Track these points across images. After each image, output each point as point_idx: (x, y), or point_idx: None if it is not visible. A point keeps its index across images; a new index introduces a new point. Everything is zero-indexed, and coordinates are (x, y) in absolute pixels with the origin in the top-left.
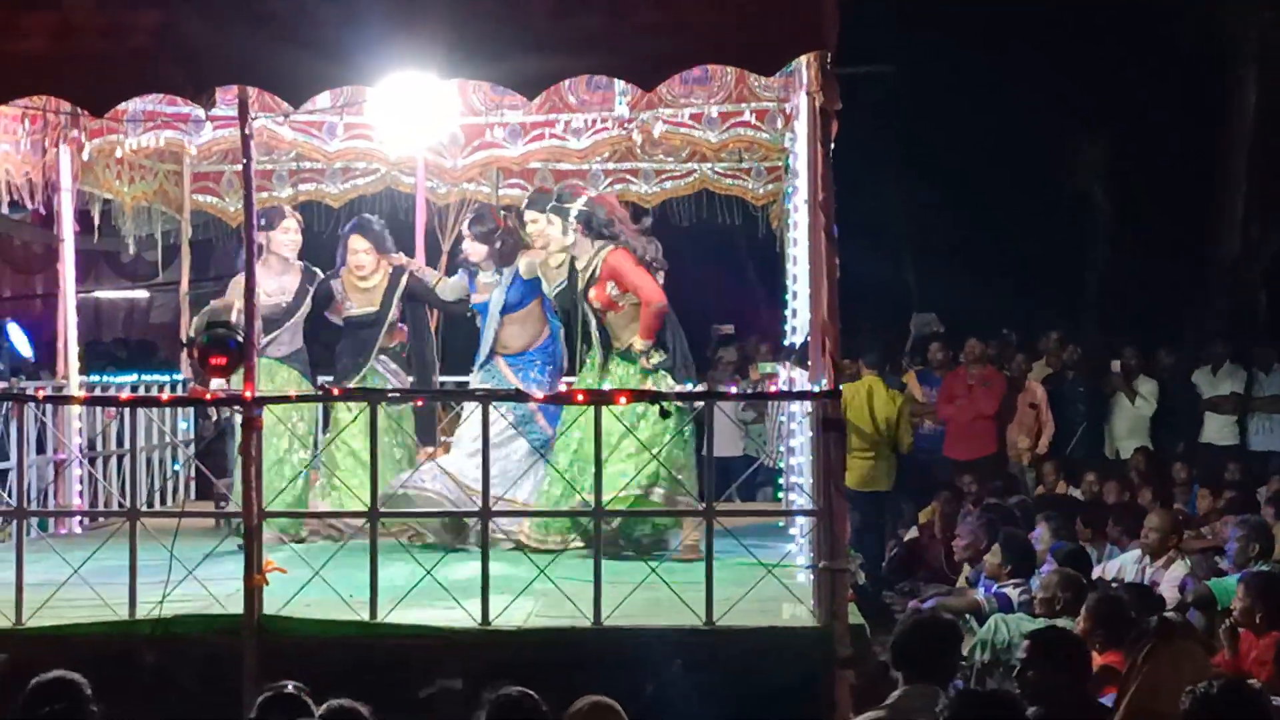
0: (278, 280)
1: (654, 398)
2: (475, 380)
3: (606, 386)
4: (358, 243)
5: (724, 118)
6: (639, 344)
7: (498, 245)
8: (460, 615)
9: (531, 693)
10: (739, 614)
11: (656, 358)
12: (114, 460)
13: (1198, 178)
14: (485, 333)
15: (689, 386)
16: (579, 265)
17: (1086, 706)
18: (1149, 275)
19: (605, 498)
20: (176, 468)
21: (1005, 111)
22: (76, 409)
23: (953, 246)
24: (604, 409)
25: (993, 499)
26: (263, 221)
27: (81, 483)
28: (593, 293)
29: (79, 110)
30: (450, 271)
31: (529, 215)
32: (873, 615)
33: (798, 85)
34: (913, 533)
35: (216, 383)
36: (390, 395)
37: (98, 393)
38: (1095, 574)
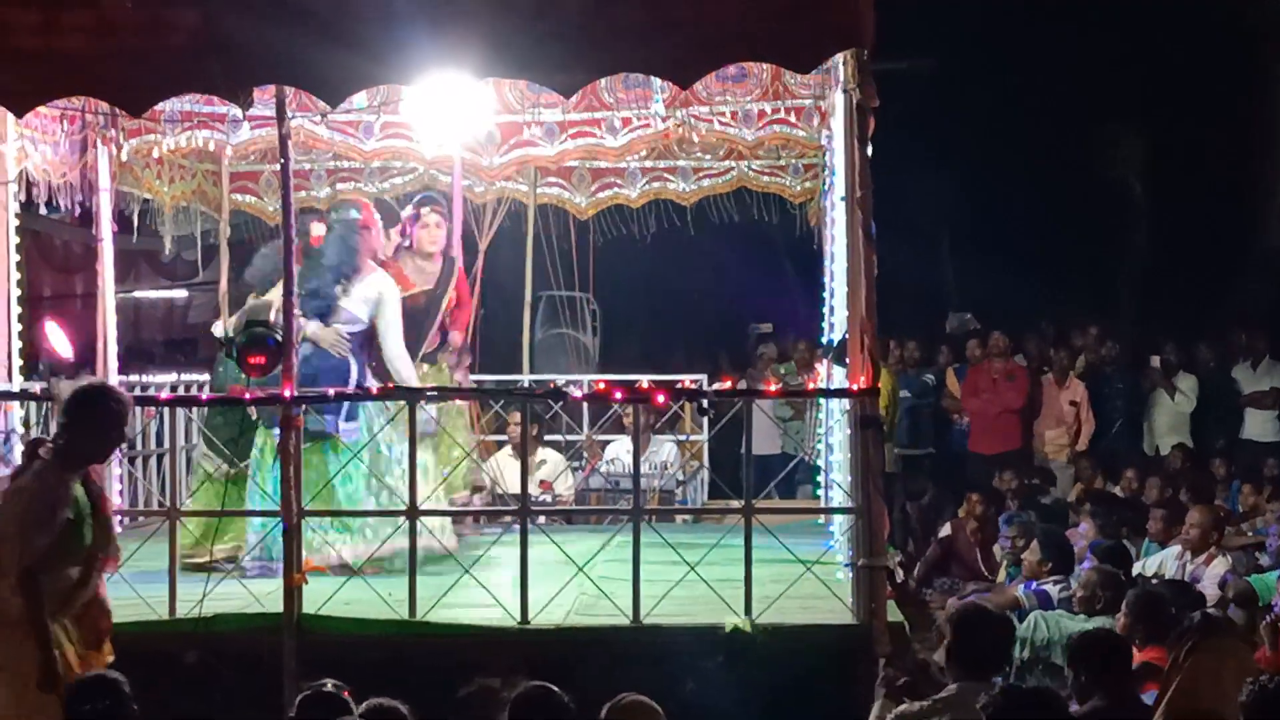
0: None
1: (693, 395)
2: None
3: None
4: (431, 216)
5: (760, 115)
6: None
7: None
8: (499, 614)
9: (552, 687)
10: (778, 612)
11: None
12: (153, 459)
13: (1237, 169)
14: None
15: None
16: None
17: (1130, 705)
18: (1188, 269)
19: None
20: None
21: (1041, 104)
22: None
23: (989, 241)
24: None
25: (1028, 497)
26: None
27: (121, 482)
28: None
29: (117, 110)
30: None
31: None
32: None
33: (834, 82)
34: (946, 530)
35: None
36: (429, 394)
37: (137, 392)
38: (1135, 570)
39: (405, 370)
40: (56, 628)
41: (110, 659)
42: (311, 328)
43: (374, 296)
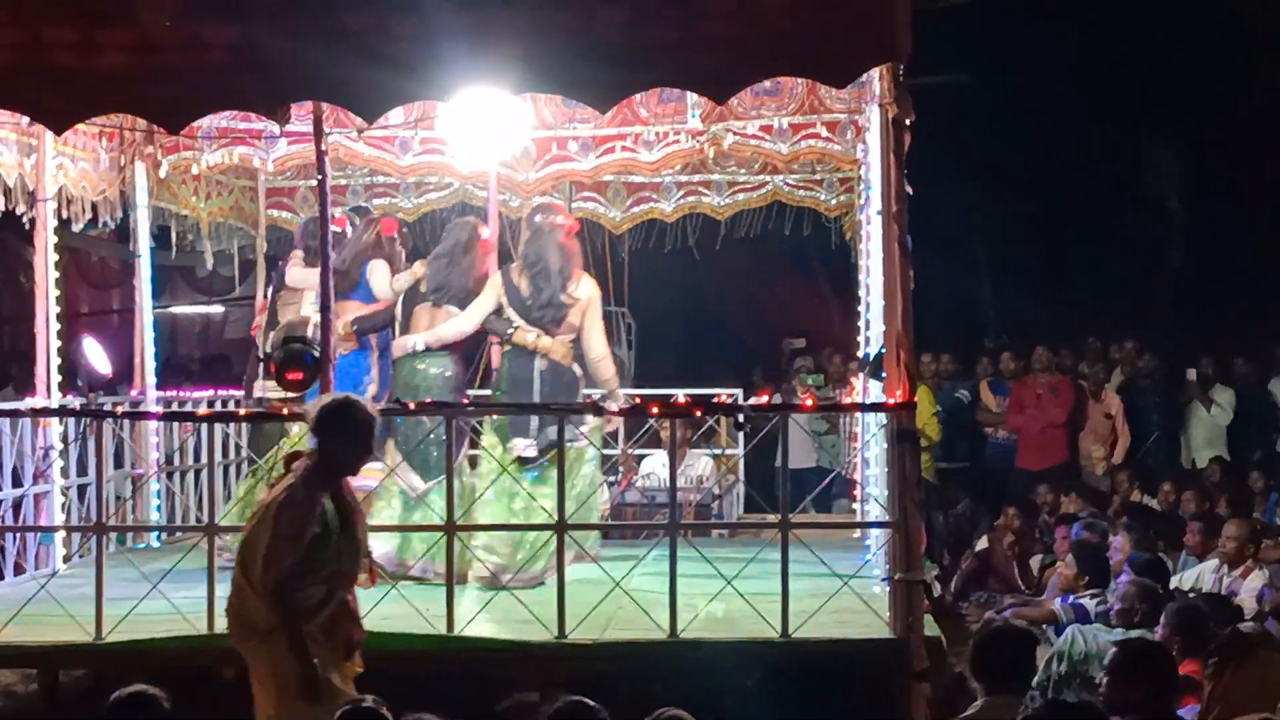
0: None
1: (729, 410)
2: None
3: None
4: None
5: (795, 129)
6: None
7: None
8: (537, 629)
9: (590, 702)
10: (815, 626)
11: None
12: (191, 475)
13: (1275, 182)
14: None
15: None
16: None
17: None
18: (1225, 282)
19: None
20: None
21: (1077, 118)
22: (153, 424)
23: (1023, 254)
24: None
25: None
26: None
27: (159, 497)
28: None
29: (155, 128)
30: None
31: None
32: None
33: (869, 97)
34: (983, 543)
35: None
36: (468, 409)
37: (174, 408)
38: (1173, 584)
39: (608, 371)
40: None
41: (359, 670)
42: (545, 342)
43: (585, 299)
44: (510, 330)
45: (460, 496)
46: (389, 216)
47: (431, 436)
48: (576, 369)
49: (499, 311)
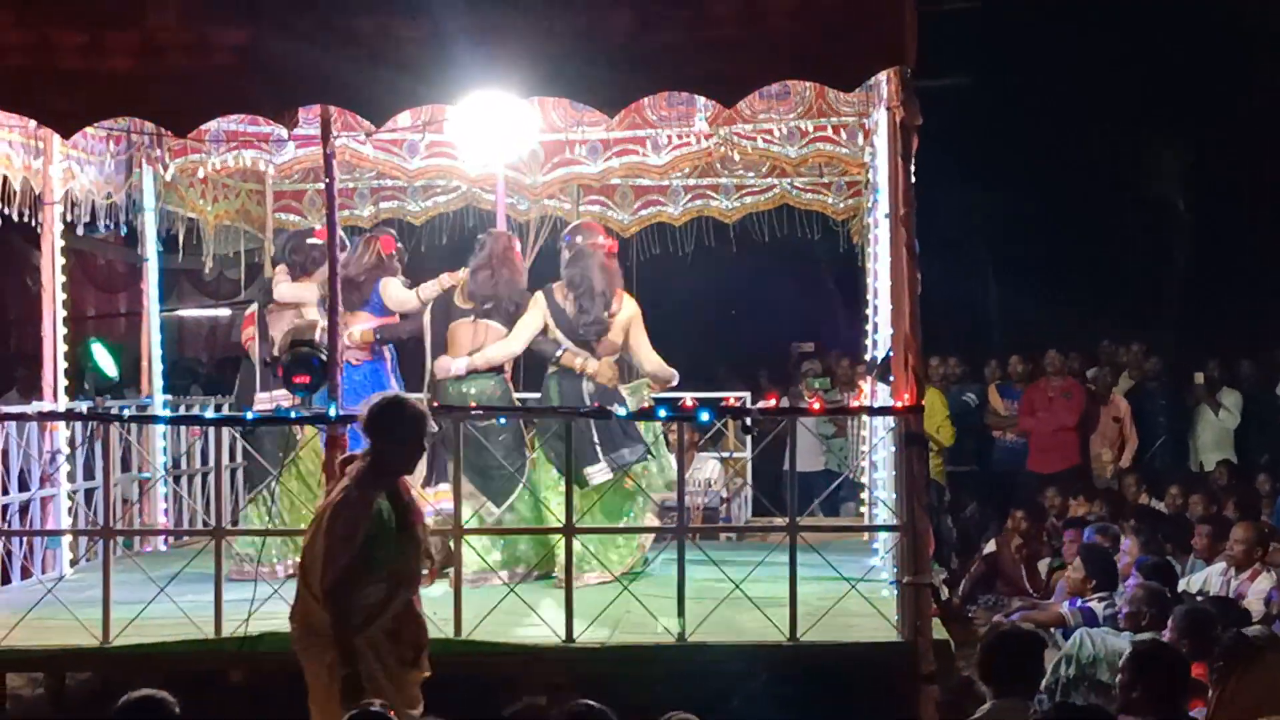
0: None
1: (737, 413)
2: None
3: None
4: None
5: (803, 133)
6: None
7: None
8: (544, 632)
9: (598, 704)
10: (823, 629)
11: None
12: (198, 478)
13: (1278, 183)
14: None
15: None
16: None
17: None
18: (1232, 285)
19: None
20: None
21: (1080, 119)
22: (160, 427)
23: (1030, 257)
24: None
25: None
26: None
27: (166, 501)
28: None
29: (162, 131)
30: None
31: None
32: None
33: (877, 100)
34: (991, 546)
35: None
36: (474, 413)
37: (181, 411)
38: (1180, 587)
39: (666, 371)
40: (363, 644)
41: (427, 673)
42: (592, 365)
43: (625, 318)
44: (559, 353)
45: (528, 506)
46: (387, 234)
47: (497, 463)
48: (622, 390)
49: (544, 332)
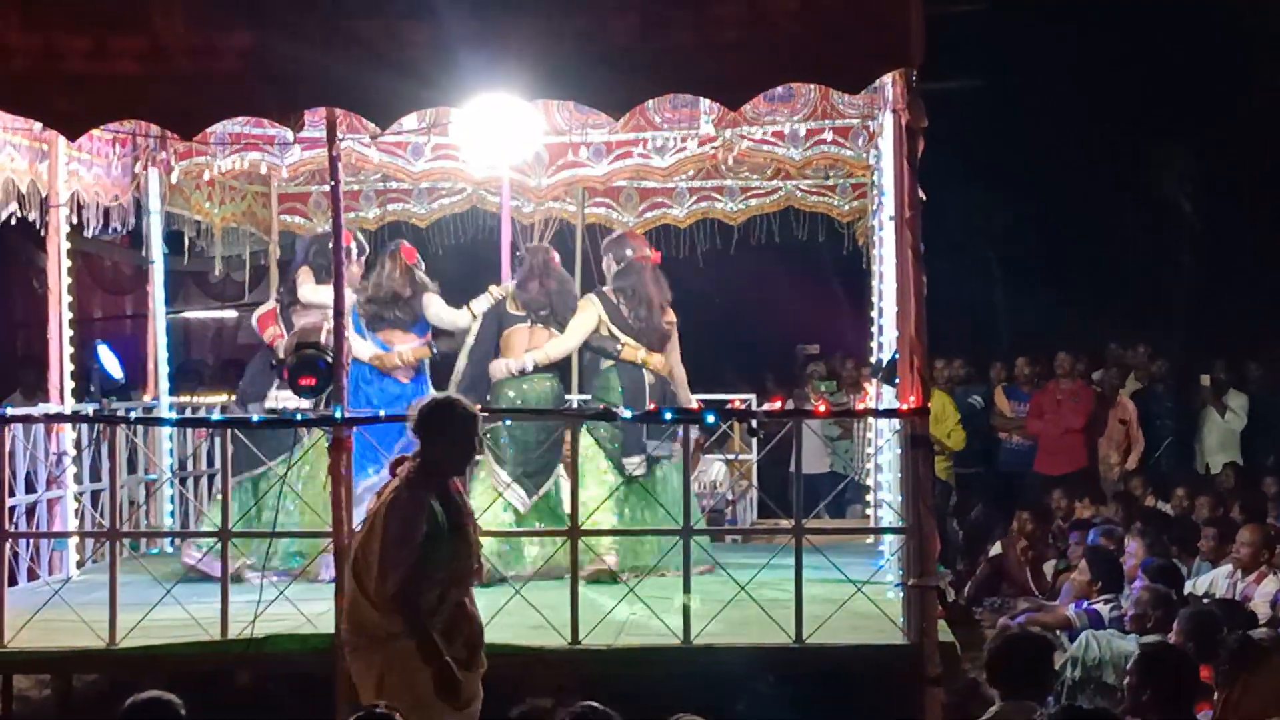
0: None
1: (743, 415)
2: None
3: None
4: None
5: (808, 135)
6: None
7: None
8: (550, 634)
9: (604, 707)
10: (828, 631)
11: None
12: (204, 480)
13: None
14: None
15: None
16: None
17: None
18: (1238, 287)
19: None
20: None
21: (1082, 121)
22: (166, 429)
23: (1033, 259)
24: None
25: (1094, 518)
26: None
27: (173, 502)
28: None
29: (168, 133)
30: None
31: None
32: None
33: (882, 102)
34: (996, 548)
35: None
36: (486, 415)
37: (187, 413)
38: (1186, 589)
39: (685, 395)
40: (439, 639)
41: (483, 669)
42: (655, 359)
43: (673, 328)
44: (619, 347)
45: (556, 501)
46: (406, 245)
47: (535, 447)
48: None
49: (597, 330)
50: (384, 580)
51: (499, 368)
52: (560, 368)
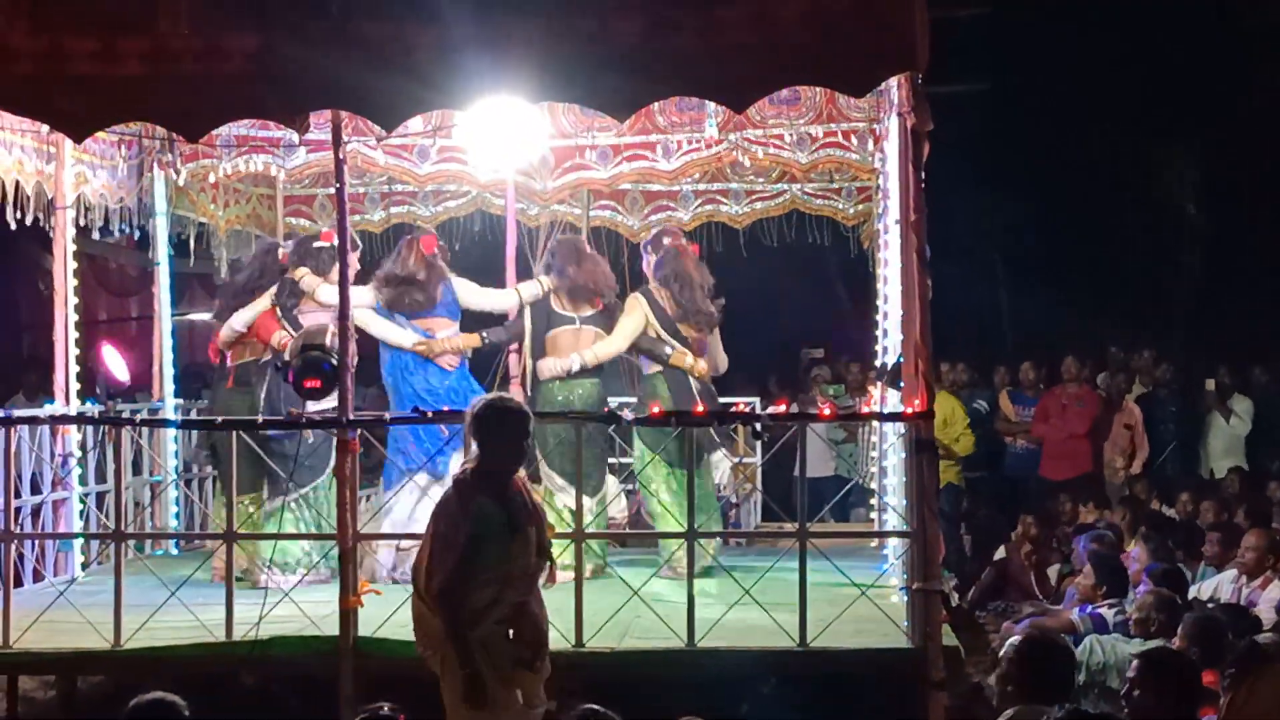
0: None
1: (747, 419)
2: None
3: None
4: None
5: (813, 138)
6: None
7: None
8: (554, 637)
9: (606, 710)
10: (832, 635)
11: None
12: (209, 482)
13: None
14: None
15: None
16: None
17: None
18: (1243, 291)
19: None
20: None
21: (1085, 124)
22: (171, 431)
23: (1040, 263)
24: None
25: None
26: None
27: (178, 504)
28: None
29: (174, 136)
30: None
31: None
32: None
33: (888, 105)
34: (1000, 553)
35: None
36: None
37: (192, 415)
38: (1191, 594)
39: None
40: (476, 643)
41: (547, 673)
42: (701, 366)
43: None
44: (669, 353)
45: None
46: (426, 234)
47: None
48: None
49: (644, 332)
50: (430, 580)
51: (547, 367)
52: (602, 370)
